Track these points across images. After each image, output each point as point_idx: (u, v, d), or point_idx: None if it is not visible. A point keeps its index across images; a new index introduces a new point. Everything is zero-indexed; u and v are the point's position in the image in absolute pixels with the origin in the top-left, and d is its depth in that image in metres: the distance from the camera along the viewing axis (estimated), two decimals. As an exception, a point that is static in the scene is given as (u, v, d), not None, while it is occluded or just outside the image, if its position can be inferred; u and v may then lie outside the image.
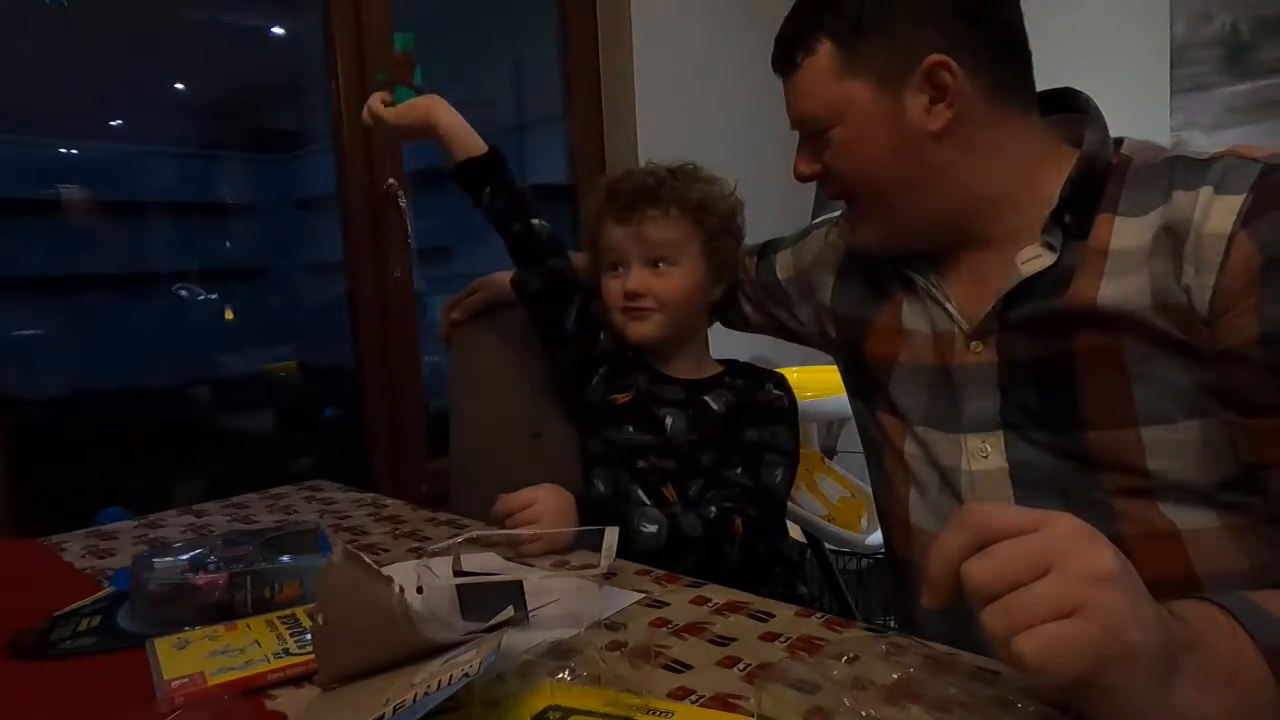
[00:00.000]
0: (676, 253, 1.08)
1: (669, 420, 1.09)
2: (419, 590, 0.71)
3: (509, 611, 0.65)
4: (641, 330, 1.10)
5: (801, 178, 0.88)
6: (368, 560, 0.57)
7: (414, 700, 0.50)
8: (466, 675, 0.50)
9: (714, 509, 1.00)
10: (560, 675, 0.57)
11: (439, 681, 0.51)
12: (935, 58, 0.76)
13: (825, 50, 0.80)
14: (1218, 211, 0.67)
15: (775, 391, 1.11)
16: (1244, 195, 0.66)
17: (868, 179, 0.83)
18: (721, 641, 0.65)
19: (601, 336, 1.15)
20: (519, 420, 1.24)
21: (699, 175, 1.12)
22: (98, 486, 1.57)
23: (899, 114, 0.78)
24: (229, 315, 1.85)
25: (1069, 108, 0.84)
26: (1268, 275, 0.64)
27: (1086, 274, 0.74)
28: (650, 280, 1.08)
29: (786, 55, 0.84)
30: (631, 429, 1.11)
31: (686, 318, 1.12)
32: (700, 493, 1.06)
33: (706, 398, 1.11)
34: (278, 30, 1.92)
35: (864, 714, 0.51)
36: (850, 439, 1.12)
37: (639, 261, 1.09)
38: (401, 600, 0.57)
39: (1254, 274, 0.65)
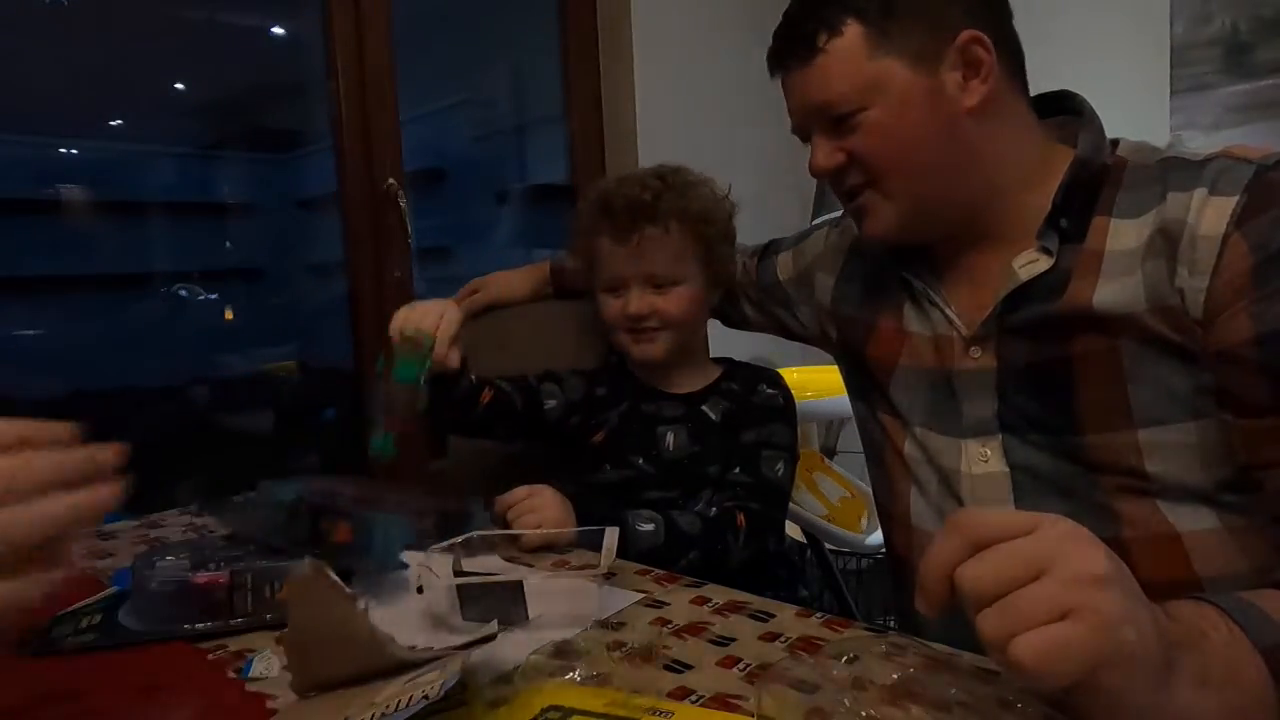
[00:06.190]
0: (678, 270, 1.05)
1: (669, 437, 1.07)
2: (419, 590, 0.71)
3: (491, 626, 0.64)
4: (649, 352, 1.07)
5: (822, 172, 0.83)
6: (333, 576, 0.56)
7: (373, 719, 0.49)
8: (426, 698, 0.49)
9: (714, 509, 0.99)
10: (562, 675, 0.57)
11: (399, 702, 0.50)
12: (970, 33, 0.75)
13: (853, 30, 0.77)
14: (1212, 213, 0.67)
15: (769, 391, 1.10)
16: (1237, 196, 0.67)
17: (902, 160, 0.79)
18: (721, 641, 0.65)
19: (552, 402, 1.11)
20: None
21: (692, 179, 1.08)
22: (97, 486, 1.57)
23: (938, 90, 0.77)
24: (229, 315, 1.85)
25: (1065, 110, 0.84)
26: (1261, 275, 0.65)
27: (1083, 276, 0.74)
28: (653, 300, 1.05)
29: (804, 39, 0.79)
30: (609, 466, 1.08)
31: (693, 331, 1.10)
32: (709, 504, 1.05)
33: (704, 407, 1.09)
34: (278, 30, 1.92)
35: (864, 714, 0.51)
36: (850, 439, 1.12)
37: (639, 283, 1.05)
38: (365, 617, 0.56)
39: (1247, 274, 0.65)
